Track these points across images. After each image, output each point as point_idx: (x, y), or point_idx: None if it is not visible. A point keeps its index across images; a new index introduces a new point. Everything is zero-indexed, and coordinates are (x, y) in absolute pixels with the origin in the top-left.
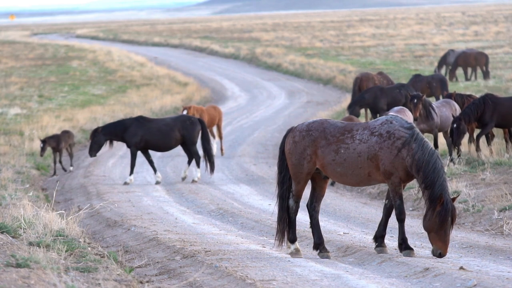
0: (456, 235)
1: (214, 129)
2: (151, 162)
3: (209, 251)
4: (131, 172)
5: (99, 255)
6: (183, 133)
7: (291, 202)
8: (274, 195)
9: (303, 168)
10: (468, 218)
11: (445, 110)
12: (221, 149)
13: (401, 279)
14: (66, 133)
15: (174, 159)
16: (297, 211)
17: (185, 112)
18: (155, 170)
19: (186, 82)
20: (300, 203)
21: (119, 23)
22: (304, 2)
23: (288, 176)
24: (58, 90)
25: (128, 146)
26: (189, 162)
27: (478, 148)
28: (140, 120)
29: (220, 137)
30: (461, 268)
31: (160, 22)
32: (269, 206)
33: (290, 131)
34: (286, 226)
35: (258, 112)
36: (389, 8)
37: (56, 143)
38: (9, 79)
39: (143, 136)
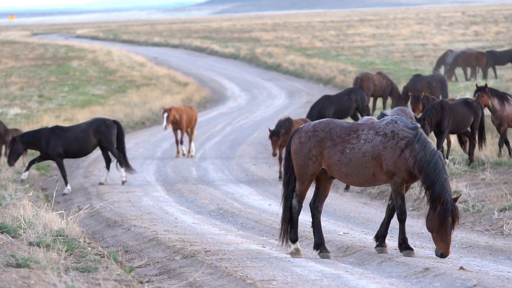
0: (456, 235)
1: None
2: (33, 162)
3: (209, 251)
4: (66, 183)
5: (99, 255)
6: (99, 137)
7: (294, 201)
8: (274, 195)
9: (308, 168)
10: (468, 218)
11: None
12: (189, 151)
13: (401, 279)
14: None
15: (174, 159)
16: (299, 211)
17: (165, 115)
18: (27, 169)
19: (186, 82)
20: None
21: (119, 23)
22: (304, 2)
23: (294, 176)
24: (58, 90)
25: (51, 158)
26: (108, 166)
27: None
28: (57, 131)
29: (191, 139)
30: (461, 268)
31: (160, 22)
32: (269, 206)
33: (297, 131)
34: (289, 226)
35: (258, 112)
36: (389, 8)
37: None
38: (9, 79)
39: (62, 146)
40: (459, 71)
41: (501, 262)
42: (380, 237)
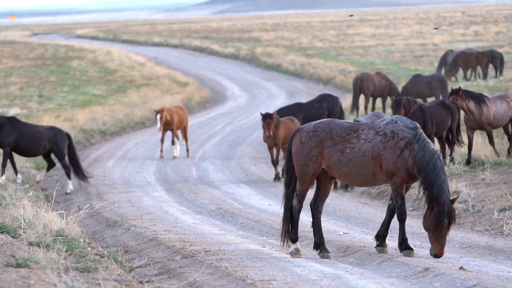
0: (456, 235)
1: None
2: (13, 164)
3: (209, 251)
4: (3, 173)
5: (99, 255)
6: (52, 145)
7: (294, 201)
8: (274, 195)
9: (309, 168)
10: (468, 218)
11: None
12: (187, 151)
13: (401, 279)
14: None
15: (173, 159)
16: (300, 211)
17: (158, 117)
18: (16, 172)
19: (186, 82)
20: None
21: (119, 23)
22: (304, 2)
23: (295, 177)
24: (58, 90)
25: (1, 146)
26: (48, 169)
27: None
28: (13, 121)
29: (186, 138)
30: (461, 268)
31: (160, 22)
32: (269, 206)
33: (297, 131)
34: (290, 226)
35: (258, 112)
36: (389, 8)
37: None
38: (9, 79)
39: (16, 138)
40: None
41: (501, 262)
42: (381, 237)
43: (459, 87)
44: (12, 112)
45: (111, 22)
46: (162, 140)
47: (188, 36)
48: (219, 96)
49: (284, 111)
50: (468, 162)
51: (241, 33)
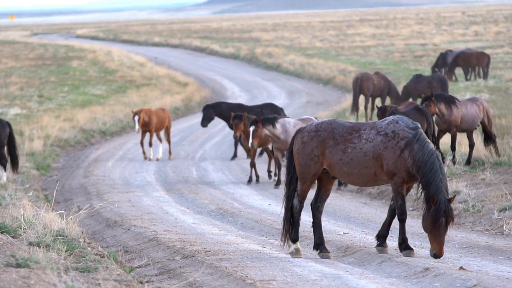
0: (456, 235)
1: (162, 133)
2: None
3: (209, 251)
4: None
5: (99, 255)
6: None
7: (295, 201)
8: (274, 195)
9: (310, 168)
10: (468, 218)
11: None
12: (169, 153)
13: (401, 279)
14: None
15: (173, 159)
16: (300, 211)
17: (136, 118)
18: None
19: (186, 82)
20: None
21: (119, 23)
22: (304, 2)
23: (296, 177)
24: (58, 90)
25: None
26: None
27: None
28: None
29: (168, 140)
30: (461, 268)
31: (160, 22)
32: (269, 206)
33: (299, 131)
34: (290, 226)
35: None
36: (389, 8)
37: None
38: (9, 79)
39: None
40: (458, 71)
41: (501, 262)
42: (382, 237)
43: (431, 93)
44: (12, 112)
45: (111, 22)
46: (141, 143)
47: (188, 36)
48: (219, 96)
49: (226, 106)
50: (455, 160)
51: (241, 33)
